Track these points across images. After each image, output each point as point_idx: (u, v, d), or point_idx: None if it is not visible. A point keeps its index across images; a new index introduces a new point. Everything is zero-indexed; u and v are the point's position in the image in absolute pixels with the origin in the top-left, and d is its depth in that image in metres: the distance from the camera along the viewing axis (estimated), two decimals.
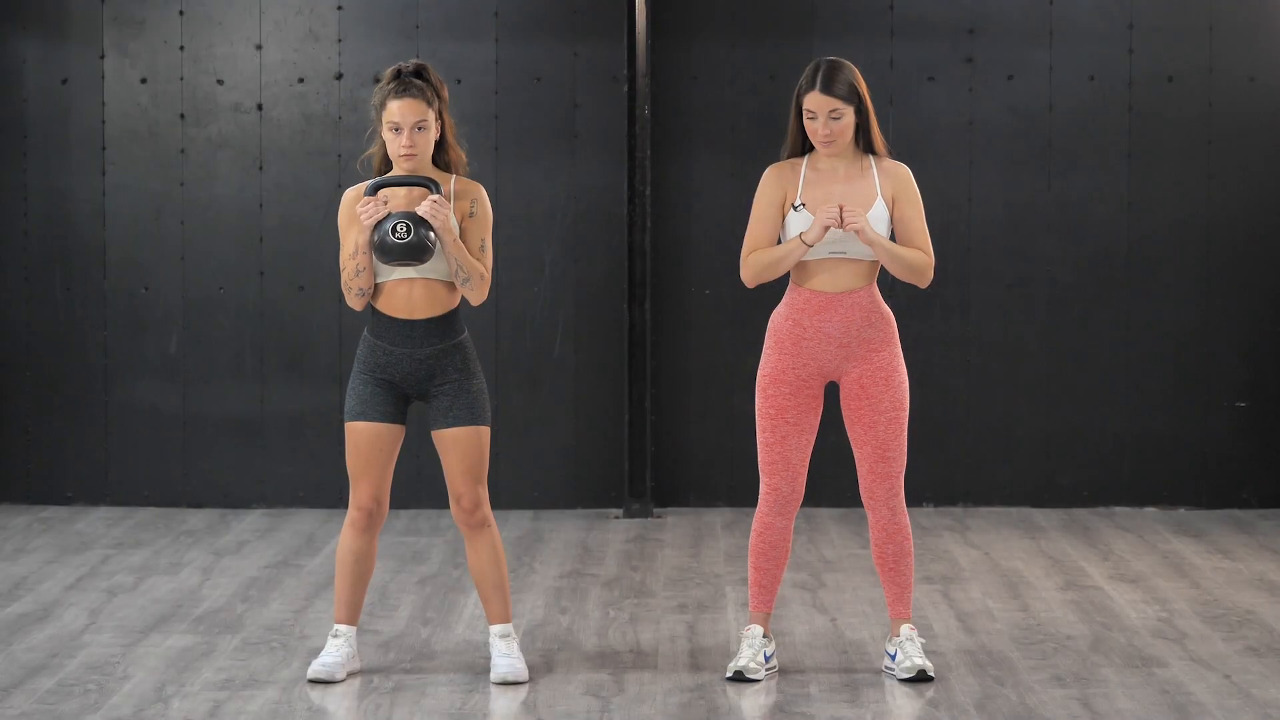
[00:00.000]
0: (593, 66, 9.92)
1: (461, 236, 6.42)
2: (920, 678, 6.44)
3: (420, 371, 6.46)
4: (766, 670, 6.55)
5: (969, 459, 10.00)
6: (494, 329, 9.94)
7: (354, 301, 6.46)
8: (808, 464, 6.56)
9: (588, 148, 9.94)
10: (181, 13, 9.91)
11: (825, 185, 6.44)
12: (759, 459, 6.56)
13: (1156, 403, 9.98)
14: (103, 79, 9.93)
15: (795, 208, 6.44)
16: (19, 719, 6.02)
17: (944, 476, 9.96)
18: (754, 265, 6.47)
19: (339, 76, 9.93)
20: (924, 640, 6.81)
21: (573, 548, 9.00)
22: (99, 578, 8.21)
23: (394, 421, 6.48)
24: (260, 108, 9.93)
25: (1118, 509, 9.97)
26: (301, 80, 9.94)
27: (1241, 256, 9.94)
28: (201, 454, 9.98)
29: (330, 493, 9.93)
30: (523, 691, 6.36)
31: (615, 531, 9.44)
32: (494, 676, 6.46)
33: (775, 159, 9.96)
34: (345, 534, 6.51)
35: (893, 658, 6.54)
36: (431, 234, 6.29)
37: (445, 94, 6.46)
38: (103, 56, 9.93)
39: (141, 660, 6.75)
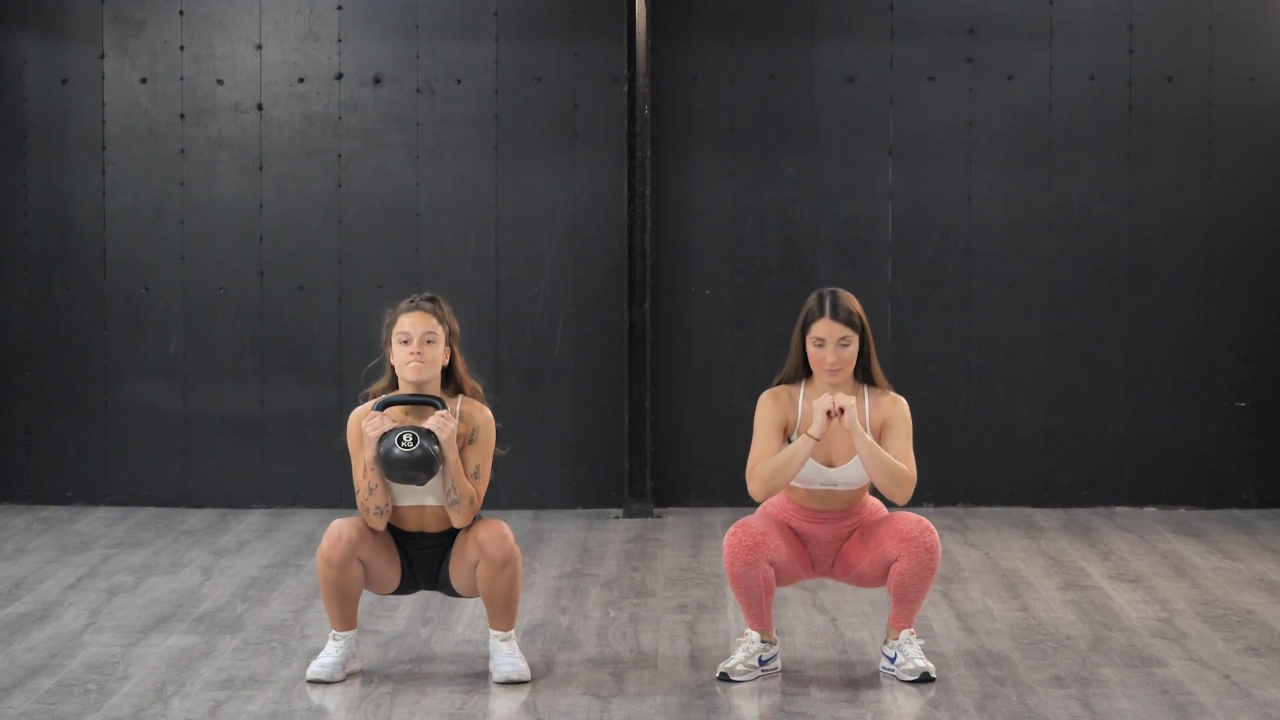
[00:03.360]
0: (593, 66, 9.92)
1: (460, 458, 6.42)
2: (923, 679, 6.44)
3: (434, 560, 6.56)
4: (764, 671, 6.55)
5: (969, 459, 10.00)
6: (494, 329, 9.94)
7: (374, 522, 6.43)
8: (788, 571, 6.59)
9: (588, 148, 9.94)
10: (181, 13, 9.91)
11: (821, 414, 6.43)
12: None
13: (1156, 403, 9.98)
14: (103, 79, 9.93)
15: (791, 440, 6.45)
16: (19, 719, 6.02)
17: (944, 476, 9.96)
18: (762, 472, 6.39)
19: (339, 76, 9.93)
20: (923, 641, 6.81)
21: (573, 548, 9.00)
22: (99, 578, 8.21)
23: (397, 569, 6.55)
24: (260, 108, 9.93)
25: (1118, 509, 9.97)
26: (301, 80, 9.94)
27: (1241, 256, 9.94)
28: (201, 454, 9.98)
29: (330, 493, 9.93)
30: (523, 691, 6.36)
31: (615, 531, 9.44)
32: (496, 676, 6.46)
33: (775, 158, 10.01)
34: (320, 563, 6.46)
35: (892, 660, 6.53)
36: (437, 447, 6.30)
37: (456, 327, 6.51)
38: (103, 56, 9.93)
39: (141, 660, 6.75)
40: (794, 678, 6.54)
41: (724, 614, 7.54)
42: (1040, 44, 9.90)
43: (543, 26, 9.92)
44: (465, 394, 6.50)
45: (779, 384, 6.53)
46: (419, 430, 6.30)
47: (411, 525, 6.51)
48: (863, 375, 6.51)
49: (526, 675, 6.47)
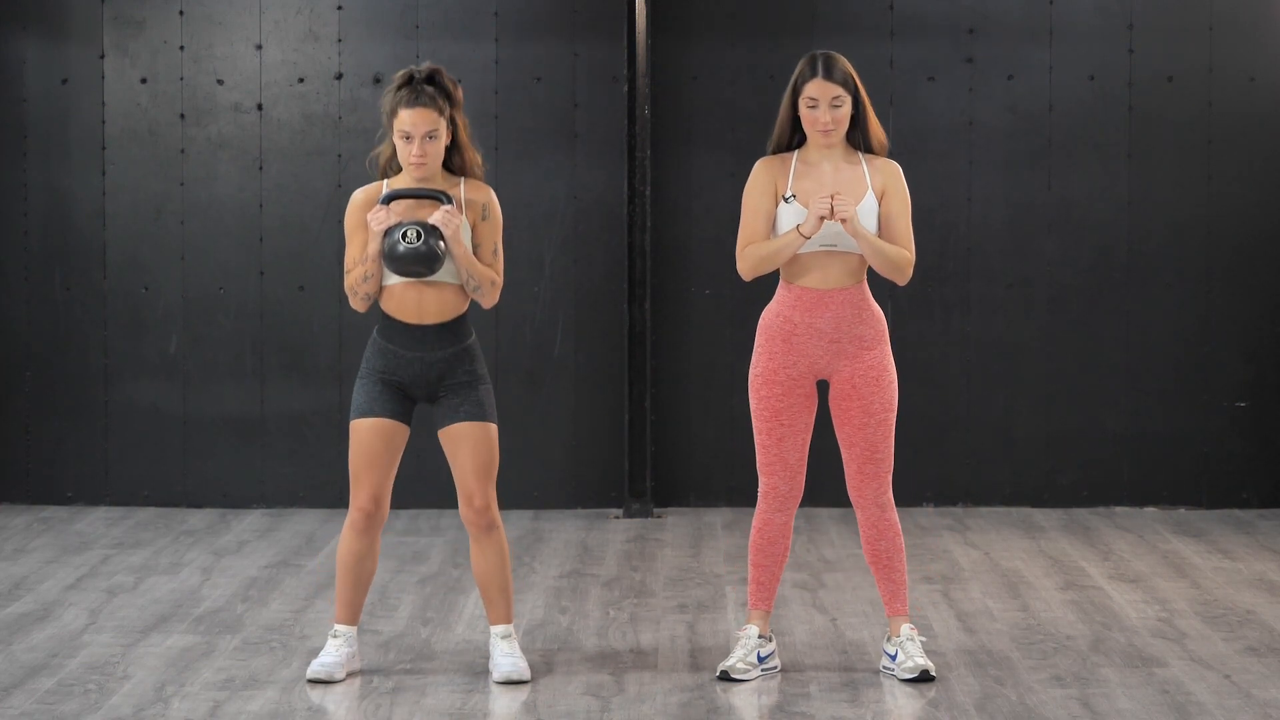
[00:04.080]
0: (593, 66, 9.92)
1: (474, 241, 6.42)
2: (923, 678, 6.44)
3: (429, 374, 6.46)
4: (764, 670, 6.55)
5: (969, 459, 10.00)
6: (494, 329, 9.94)
7: (358, 305, 6.46)
8: (805, 461, 6.56)
9: (588, 148, 9.94)
10: (181, 13, 9.91)
11: (815, 177, 6.45)
12: (757, 458, 6.57)
13: (1156, 403, 9.98)
14: (103, 79, 9.93)
15: (786, 199, 6.46)
16: (19, 719, 6.02)
17: (944, 476, 9.96)
18: (750, 258, 6.49)
19: (339, 76, 9.93)
20: (924, 640, 6.81)
21: (573, 548, 9.00)
22: (99, 578, 8.21)
23: (400, 420, 6.48)
24: (260, 108, 9.93)
25: (1118, 509, 9.97)
26: (301, 80, 9.94)
27: (1241, 256, 9.94)
28: (201, 454, 9.98)
29: (330, 493, 9.93)
30: (523, 691, 6.36)
31: (615, 531, 9.44)
32: (497, 676, 6.46)
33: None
34: (345, 536, 6.51)
35: (893, 658, 6.53)
36: (442, 243, 6.30)
37: (459, 96, 6.44)
38: (103, 56, 9.93)
39: (141, 660, 6.75)
40: (794, 678, 6.54)
41: (724, 614, 7.54)
42: (1040, 44, 9.90)
43: (543, 26, 9.92)
44: (468, 173, 6.48)
45: (770, 154, 6.52)
46: (423, 225, 6.29)
47: (410, 315, 6.43)
48: (860, 139, 6.49)
49: (526, 675, 6.48)
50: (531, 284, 9.97)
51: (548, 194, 9.95)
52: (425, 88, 6.34)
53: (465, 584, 8.05)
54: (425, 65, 6.42)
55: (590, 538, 9.26)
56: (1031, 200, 9.94)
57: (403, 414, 6.49)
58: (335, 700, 6.27)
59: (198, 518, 9.73)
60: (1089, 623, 7.36)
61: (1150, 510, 9.94)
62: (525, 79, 9.94)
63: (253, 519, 9.70)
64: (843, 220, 6.31)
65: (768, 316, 6.56)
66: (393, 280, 6.42)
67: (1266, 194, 9.93)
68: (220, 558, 8.69)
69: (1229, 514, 9.85)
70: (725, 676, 6.49)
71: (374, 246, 6.33)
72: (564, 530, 9.44)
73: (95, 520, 9.62)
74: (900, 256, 6.43)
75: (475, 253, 6.44)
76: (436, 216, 6.29)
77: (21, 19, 9.94)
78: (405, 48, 9.89)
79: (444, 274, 6.41)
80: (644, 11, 9.69)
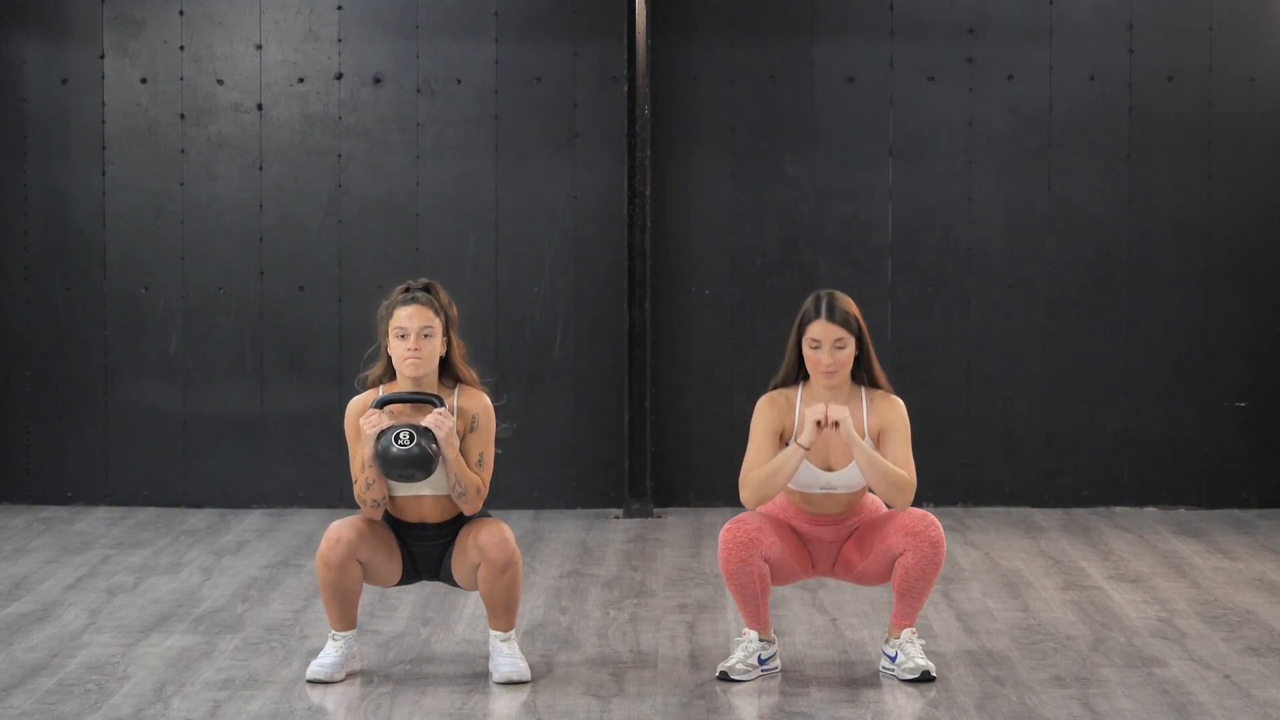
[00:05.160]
0: (593, 66, 9.92)
1: (462, 448, 6.42)
2: (924, 678, 6.44)
3: (433, 552, 6.55)
4: (764, 670, 6.55)
5: (969, 459, 10.00)
6: (494, 329, 9.94)
7: (370, 513, 6.44)
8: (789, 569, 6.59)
9: (588, 148, 9.94)
10: (181, 13, 9.91)
11: (811, 423, 6.41)
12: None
13: (1156, 403, 9.98)
14: (103, 79, 9.93)
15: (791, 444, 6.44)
16: (19, 719, 6.02)
17: (944, 476, 9.96)
18: (753, 481, 6.39)
19: (339, 76, 9.93)
20: (924, 641, 6.81)
21: (573, 548, 9.00)
22: (99, 578, 8.21)
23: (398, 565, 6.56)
24: (260, 108, 9.93)
25: (1118, 509, 9.97)
26: (301, 80, 9.94)
27: (1241, 256, 9.95)
28: (201, 454, 9.98)
29: (330, 493, 9.93)
30: (523, 691, 6.36)
31: (615, 531, 9.44)
32: (497, 676, 6.46)
33: (775, 158, 10.01)
34: (319, 565, 6.45)
35: (893, 659, 6.53)
36: (435, 445, 6.29)
37: (454, 314, 6.48)
38: (103, 56, 9.93)
39: (141, 660, 6.75)
40: (794, 678, 6.54)
41: (724, 614, 7.54)
42: (1040, 44, 9.90)
43: (543, 26, 9.92)
44: (463, 382, 6.50)
45: (775, 388, 6.53)
46: (416, 428, 6.30)
47: (411, 517, 6.51)
48: (865, 378, 6.51)
49: (526, 675, 6.47)
50: (531, 284, 9.97)
51: (548, 194, 9.95)
52: (421, 292, 6.41)
53: None
54: (422, 279, 6.50)
55: (590, 538, 9.26)
56: (1031, 200, 9.95)
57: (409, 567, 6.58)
58: (335, 700, 6.27)
59: (198, 518, 9.73)
60: (1089, 623, 7.36)
61: (1150, 510, 9.94)
62: (525, 79, 9.94)
63: (253, 519, 9.70)
64: (835, 424, 6.28)
65: (770, 508, 6.59)
66: (399, 491, 6.44)
67: (1266, 194, 9.93)
68: (220, 558, 8.69)
69: (1229, 514, 9.85)
70: (725, 677, 6.49)
71: (367, 451, 6.32)
72: (564, 530, 9.44)
73: (95, 520, 9.62)
74: (898, 475, 6.36)
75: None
76: (429, 419, 6.29)
77: (21, 19, 9.94)
78: (405, 48, 9.89)
79: (436, 485, 6.41)
80: (644, 11, 9.69)
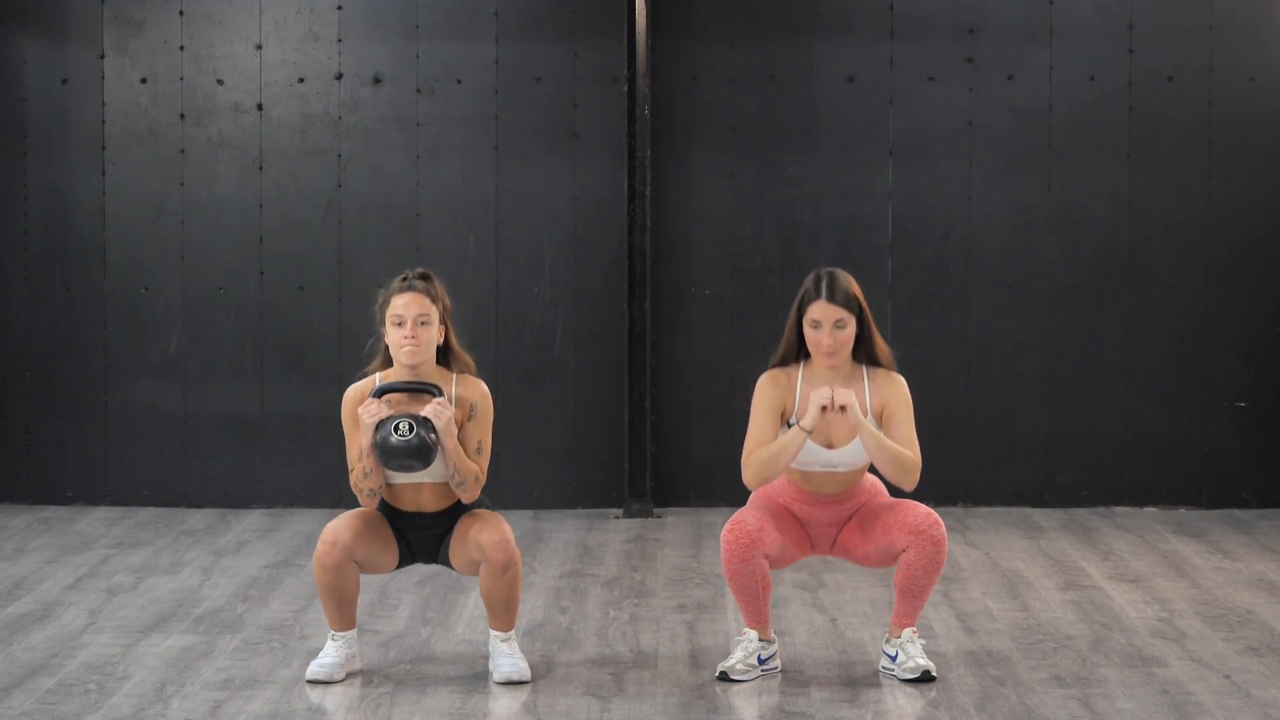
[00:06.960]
0: (593, 66, 9.92)
1: (460, 436, 6.42)
2: (924, 678, 6.44)
3: (430, 542, 6.55)
4: (764, 670, 6.55)
5: (969, 459, 10.00)
6: (494, 329, 9.94)
7: (366, 502, 6.46)
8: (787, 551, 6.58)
9: (588, 148, 9.94)
10: (181, 13, 9.91)
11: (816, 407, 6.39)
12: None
13: (1156, 403, 9.98)
14: (103, 79, 9.93)
15: (791, 424, 6.41)
16: (19, 719, 6.02)
17: (944, 476, 9.96)
18: (755, 462, 6.38)
19: (339, 76, 9.93)
20: (924, 641, 6.81)
21: (573, 548, 9.00)
22: (99, 578, 8.21)
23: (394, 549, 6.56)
24: (260, 108, 9.93)
25: (1118, 509, 9.97)
26: (301, 80, 9.94)
27: (1241, 256, 9.95)
28: (201, 454, 9.98)
29: (330, 493, 9.93)
30: (523, 691, 6.36)
31: (615, 531, 9.44)
32: (497, 676, 6.46)
33: (775, 158, 10.01)
34: (315, 567, 6.46)
35: (893, 659, 6.53)
36: (434, 435, 6.29)
37: (449, 302, 6.49)
38: (103, 56, 9.93)
39: (141, 660, 6.75)
40: (794, 678, 6.54)
41: (724, 614, 7.54)
42: (1040, 44, 9.90)
43: (543, 26, 9.92)
44: (460, 365, 6.50)
45: (775, 366, 6.49)
46: (415, 418, 6.30)
47: (409, 505, 6.51)
48: (865, 356, 6.47)
49: (526, 675, 6.47)
50: (531, 284, 9.97)
51: (548, 194, 9.95)
52: (418, 280, 6.43)
53: (465, 584, 8.05)
54: (418, 269, 6.51)
55: (590, 538, 9.26)
56: (1031, 200, 9.95)
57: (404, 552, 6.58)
58: (335, 700, 6.27)
59: (198, 518, 9.73)
60: (1089, 623, 7.36)
61: (1150, 510, 9.95)
62: (525, 79, 9.94)
63: (253, 519, 9.70)
64: (842, 408, 6.25)
65: (768, 490, 6.58)
66: (396, 479, 6.44)
67: (1266, 194, 9.93)
68: (220, 558, 8.69)
69: (1229, 514, 9.85)
70: (725, 677, 6.49)
71: (366, 440, 6.32)
72: (564, 530, 9.44)
73: (95, 520, 9.62)
74: (905, 457, 6.32)
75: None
76: (428, 409, 6.29)
77: (21, 19, 9.94)
78: (405, 48, 9.89)
79: (434, 473, 6.41)
80: (644, 11, 9.70)
